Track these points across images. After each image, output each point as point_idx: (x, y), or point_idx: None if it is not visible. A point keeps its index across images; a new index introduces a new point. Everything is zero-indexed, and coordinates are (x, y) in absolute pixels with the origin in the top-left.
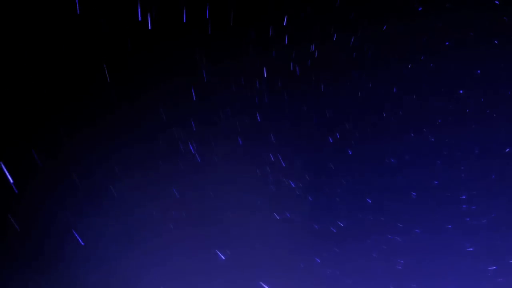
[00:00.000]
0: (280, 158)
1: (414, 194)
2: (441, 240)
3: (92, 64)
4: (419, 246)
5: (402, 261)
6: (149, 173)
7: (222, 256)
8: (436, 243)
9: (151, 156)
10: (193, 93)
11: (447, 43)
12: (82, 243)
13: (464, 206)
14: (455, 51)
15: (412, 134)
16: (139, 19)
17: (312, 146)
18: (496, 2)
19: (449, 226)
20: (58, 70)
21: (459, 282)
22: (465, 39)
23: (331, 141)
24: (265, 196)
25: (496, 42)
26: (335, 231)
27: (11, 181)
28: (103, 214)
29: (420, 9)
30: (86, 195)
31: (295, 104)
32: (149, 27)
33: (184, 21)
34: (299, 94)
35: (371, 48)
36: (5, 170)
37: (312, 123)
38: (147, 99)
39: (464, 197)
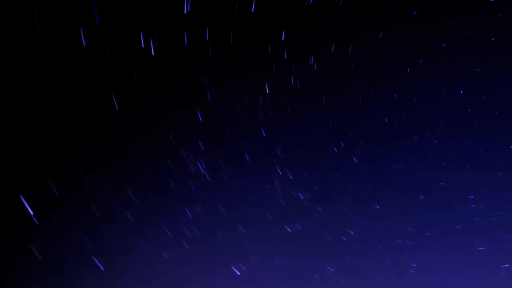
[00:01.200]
0: (287, 171)
1: (422, 197)
2: (452, 241)
3: (101, 95)
4: (430, 248)
5: (415, 265)
6: (162, 195)
7: (238, 272)
8: (447, 244)
9: (163, 179)
10: (199, 114)
11: (444, 45)
12: (103, 269)
13: (472, 205)
14: (453, 52)
15: (416, 138)
16: (143, 46)
17: (318, 157)
18: (491, 0)
19: (459, 227)
20: (69, 102)
21: (473, 282)
22: (461, 39)
23: (336, 150)
24: (275, 210)
25: (493, 39)
26: (346, 239)
27: (31, 212)
28: (121, 239)
29: (415, 13)
30: (103, 221)
31: (298, 117)
32: (153, 54)
33: (186, 45)
34: (301, 107)
35: (369, 56)
36: (25, 203)
37: (316, 134)
38: (155, 124)
39: (472, 196)
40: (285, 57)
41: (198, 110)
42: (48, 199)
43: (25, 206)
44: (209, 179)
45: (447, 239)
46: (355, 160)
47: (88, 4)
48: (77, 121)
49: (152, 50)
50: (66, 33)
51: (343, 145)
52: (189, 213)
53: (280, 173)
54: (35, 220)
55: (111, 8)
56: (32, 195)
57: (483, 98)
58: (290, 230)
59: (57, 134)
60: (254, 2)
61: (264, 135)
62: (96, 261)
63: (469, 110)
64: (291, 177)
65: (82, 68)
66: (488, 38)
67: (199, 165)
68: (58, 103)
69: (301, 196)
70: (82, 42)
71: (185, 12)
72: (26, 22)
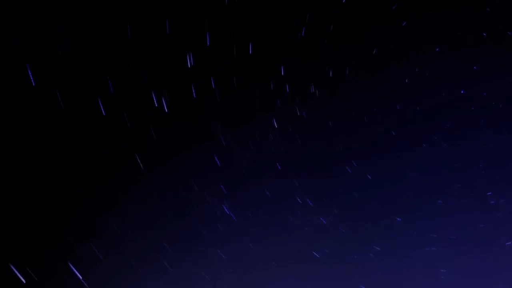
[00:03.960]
0: (307, 199)
1: (440, 201)
2: (478, 241)
3: (125, 157)
4: (457, 252)
5: (444, 270)
6: (193, 240)
7: None
8: (474, 245)
9: (193, 226)
10: (216, 159)
11: (437, 49)
12: None
13: (492, 202)
14: (447, 54)
15: (424, 145)
16: (156, 105)
17: (333, 180)
18: None
19: (483, 225)
20: (99, 168)
21: (508, 278)
22: (453, 39)
23: (350, 171)
24: (301, 238)
25: (484, 34)
26: (373, 256)
27: (80, 277)
28: None
29: (404, 24)
30: (144, 273)
31: (308, 145)
32: (166, 110)
33: (194, 96)
34: (310, 135)
35: (366, 74)
36: (73, 269)
37: (328, 158)
38: (178, 175)
39: (490, 193)
40: (287, 90)
41: (215, 155)
42: (92, 261)
43: (75, 272)
44: (235, 219)
45: (473, 239)
46: (369, 177)
47: (102, 74)
48: (108, 183)
49: (165, 107)
50: (86, 106)
51: (355, 164)
52: (221, 254)
53: (300, 202)
54: (84, 283)
55: (123, 73)
56: (78, 261)
57: (484, 94)
58: (318, 256)
59: (91, 197)
60: (250, 44)
61: (280, 168)
62: None
63: (473, 108)
64: (311, 204)
65: (104, 134)
66: (479, 34)
67: (224, 207)
68: (90, 170)
69: (323, 221)
70: (102, 113)
71: (189, 66)
72: (50, 104)
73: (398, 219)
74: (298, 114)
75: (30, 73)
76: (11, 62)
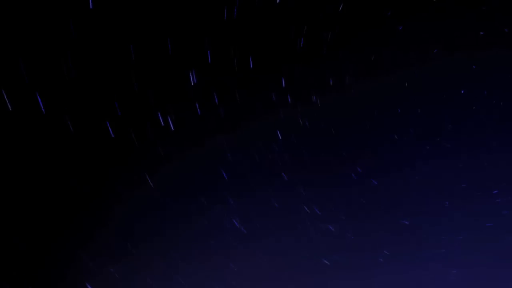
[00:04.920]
0: (314, 207)
1: (447, 203)
2: (487, 240)
3: (135, 175)
4: (466, 252)
5: (455, 271)
6: (205, 254)
7: None
8: (482, 245)
9: (204, 240)
10: (223, 173)
11: (435, 51)
12: None
13: (498, 200)
14: (446, 55)
15: (428, 147)
16: (162, 124)
17: (339, 187)
18: None
19: (490, 224)
20: (112, 189)
21: None
22: (451, 40)
23: (355, 177)
24: (311, 246)
25: (482, 33)
26: (382, 260)
27: None
28: None
29: (400, 28)
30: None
31: (313, 154)
32: (172, 129)
33: (199, 113)
34: (314, 144)
35: (366, 80)
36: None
37: (332, 166)
38: (187, 191)
39: (496, 191)
40: (289, 101)
41: (221, 169)
42: (109, 283)
43: None
44: (245, 231)
45: (480, 239)
46: (375, 182)
47: (109, 97)
48: (121, 202)
49: (171, 125)
50: (95, 129)
51: (360, 170)
52: (233, 267)
53: (308, 211)
54: None
55: (129, 95)
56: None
57: (485, 92)
58: (328, 263)
59: (105, 219)
60: (250, 58)
61: (286, 178)
62: None
63: (474, 107)
64: (318, 212)
65: (114, 155)
66: (476, 33)
67: (234, 221)
68: (102, 192)
69: (332, 228)
70: (111, 135)
71: (192, 84)
72: (61, 129)
73: (406, 222)
74: (301, 123)
75: (40, 101)
76: (21, 91)
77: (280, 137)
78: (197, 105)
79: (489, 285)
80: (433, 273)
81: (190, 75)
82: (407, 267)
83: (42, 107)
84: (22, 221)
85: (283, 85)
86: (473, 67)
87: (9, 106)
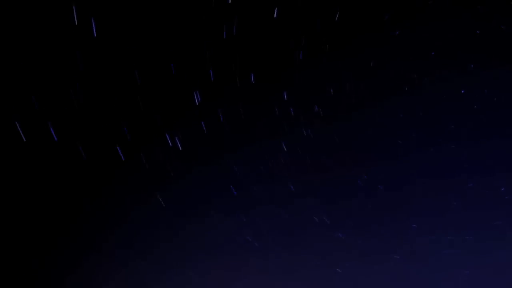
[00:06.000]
0: (323, 217)
1: (455, 203)
2: (496, 239)
3: (147, 195)
4: (476, 251)
5: (467, 271)
6: (219, 268)
7: None
8: (491, 244)
9: (218, 257)
10: (233, 190)
11: (432, 53)
12: None
13: (506, 197)
14: (443, 57)
15: (432, 149)
16: (170, 145)
17: (346, 194)
18: None
19: (499, 222)
20: (122, 210)
21: None
22: (448, 42)
23: (361, 184)
24: (323, 254)
25: (477, 32)
26: (393, 264)
27: None
28: None
29: (397, 33)
30: None
31: (318, 164)
32: (180, 148)
33: (205, 131)
34: (318, 154)
35: (367, 86)
36: None
37: (338, 174)
38: (198, 208)
39: (503, 189)
40: (292, 114)
41: (231, 186)
42: None
43: None
44: (257, 245)
45: (489, 238)
46: (381, 187)
47: (117, 123)
48: (134, 223)
49: (179, 145)
50: (104, 153)
51: (365, 177)
52: (247, 281)
53: (317, 220)
54: None
55: (137, 119)
56: None
57: (485, 91)
58: (340, 271)
59: (122, 240)
60: (252, 75)
61: (293, 189)
62: None
63: (475, 106)
64: (327, 221)
65: (126, 178)
66: (472, 32)
67: (246, 235)
68: (116, 215)
69: (342, 236)
70: (122, 159)
71: (197, 103)
72: (73, 156)
73: (414, 225)
74: (305, 134)
75: (52, 130)
76: (34, 121)
77: (285, 149)
78: (202, 123)
79: (502, 285)
80: (446, 275)
81: (195, 95)
82: (419, 270)
83: (54, 136)
84: (40, 246)
85: (285, 98)
86: (471, 66)
87: (23, 137)
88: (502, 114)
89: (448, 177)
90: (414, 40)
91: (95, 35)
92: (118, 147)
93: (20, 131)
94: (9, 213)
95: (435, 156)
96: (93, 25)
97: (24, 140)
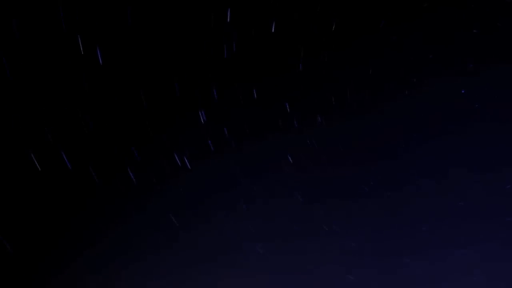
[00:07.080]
0: (333, 226)
1: (462, 203)
2: (507, 238)
3: (160, 216)
4: (488, 250)
5: (478, 271)
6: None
7: None
8: (503, 243)
9: (231, 272)
10: (243, 205)
11: (430, 56)
12: None
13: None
14: (442, 59)
15: (435, 151)
16: (179, 165)
17: (353, 202)
18: None
19: (509, 219)
20: (136, 232)
21: None
22: (445, 43)
23: (367, 190)
24: (334, 264)
25: (475, 31)
26: (405, 269)
27: None
28: None
29: (394, 38)
30: None
31: (324, 173)
32: (189, 167)
33: (212, 149)
34: (324, 163)
35: (367, 94)
36: None
37: (344, 182)
38: (210, 226)
39: (509, 186)
40: (296, 125)
41: (241, 201)
42: None
43: None
44: (269, 258)
45: (500, 236)
46: (388, 193)
47: (127, 145)
48: (147, 244)
49: (188, 164)
50: (116, 177)
51: (372, 183)
52: None
53: (327, 229)
54: None
55: (145, 141)
56: None
57: (486, 89)
58: (352, 278)
59: (136, 263)
60: (254, 90)
61: (302, 200)
62: None
63: (477, 105)
64: (337, 230)
65: (138, 200)
66: (470, 31)
67: (257, 248)
68: (130, 237)
69: (352, 243)
70: (133, 181)
71: (203, 122)
72: (86, 182)
73: (423, 228)
74: (309, 145)
75: (65, 158)
76: (47, 149)
77: (291, 161)
78: (209, 141)
79: None
80: (458, 276)
81: (200, 114)
82: (431, 273)
83: (68, 163)
84: (55, 264)
85: (288, 110)
86: (470, 65)
87: (38, 167)
88: (505, 111)
89: (453, 178)
90: (412, 44)
91: (101, 62)
92: (128, 168)
93: (35, 161)
94: (27, 242)
95: (440, 158)
96: (98, 53)
97: (39, 169)
